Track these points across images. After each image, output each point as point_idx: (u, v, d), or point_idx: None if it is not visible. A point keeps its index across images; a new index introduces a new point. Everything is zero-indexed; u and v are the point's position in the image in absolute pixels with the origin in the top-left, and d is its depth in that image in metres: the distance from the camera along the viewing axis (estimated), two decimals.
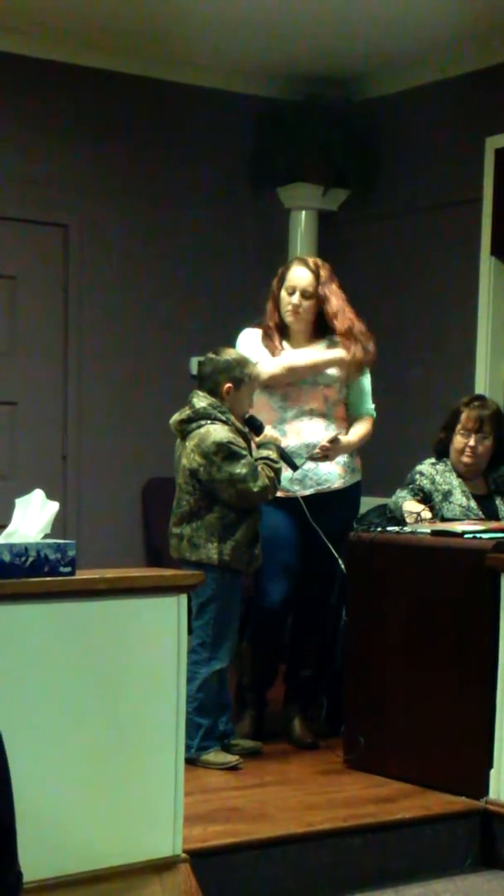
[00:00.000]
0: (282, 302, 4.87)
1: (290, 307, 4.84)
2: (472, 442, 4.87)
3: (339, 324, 4.87)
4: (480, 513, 4.84)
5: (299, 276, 4.84)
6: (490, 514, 4.87)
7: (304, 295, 4.83)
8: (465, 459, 4.89)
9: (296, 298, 4.83)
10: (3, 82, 6.42)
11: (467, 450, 4.88)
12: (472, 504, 4.86)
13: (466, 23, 6.13)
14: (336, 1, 5.92)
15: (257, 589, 4.88)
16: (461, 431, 4.90)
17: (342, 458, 4.85)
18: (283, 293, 4.86)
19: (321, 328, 4.90)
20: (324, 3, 5.95)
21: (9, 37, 6.32)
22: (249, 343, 4.89)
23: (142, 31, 6.40)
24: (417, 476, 4.92)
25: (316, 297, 4.85)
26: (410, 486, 4.90)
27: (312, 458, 4.76)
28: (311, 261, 4.91)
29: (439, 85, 6.71)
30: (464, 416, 4.91)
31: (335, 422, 4.88)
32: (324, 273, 4.86)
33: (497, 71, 6.39)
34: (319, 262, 4.92)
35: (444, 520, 4.78)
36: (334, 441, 4.76)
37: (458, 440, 4.91)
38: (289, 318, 4.87)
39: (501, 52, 6.34)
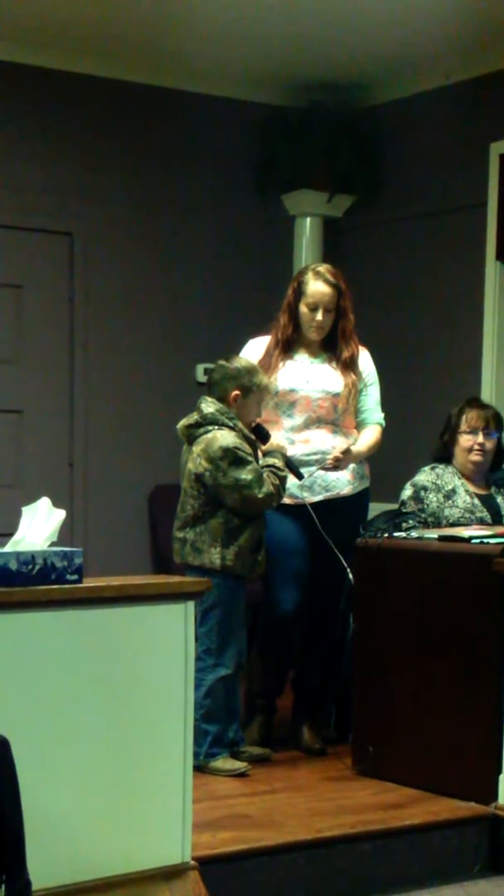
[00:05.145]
0: (303, 317, 4.84)
1: (314, 324, 4.82)
2: (480, 439, 4.93)
3: (345, 350, 4.86)
4: (484, 510, 4.86)
5: (321, 291, 4.80)
6: (493, 511, 4.91)
7: (327, 310, 4.82)
8: (475, 458, 4.93)
9: (319, 315, 4.81)
10: (7, 91, 6.44)
11: (476, 447, 4.92)
12: (476, 502, 4.89)
13: (470, 29, 6.13)
14: (340, 8, 5.93)
15: (268, 597, 4.87)
16: (468, 431, 4.94)
17: (351, 465, 4.85)
18: (304, 308, 4.83)
19: (329, 336, 4.90)
20: (328, 10, 5.95)
21: (12, 46, 6.34)
22: (254, 357, 4.87)
23: (146, 40, 6.41)
24: (422, 493, 4.90)
25: (336, 311, 4.84)
26: (420, 517, 4.88)
27: (324, 468, 4.76)
28: (328, 273, 4.84)
29: (443, 91, 6.72)
30: (469, 415, 4.96)
31: (344, 430, 4.88)
32: (343, 285, 4.85)
33: (501, 76, 6.39)
34: (334, 270, 4.88)
35: (450, 525, 4.79)
36: (346, 452, 4.76)
37: (466, 439, 4.94)
38: (312, 335, 4.85)
39: None
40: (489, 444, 4.96)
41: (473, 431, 4.95)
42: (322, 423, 4.85)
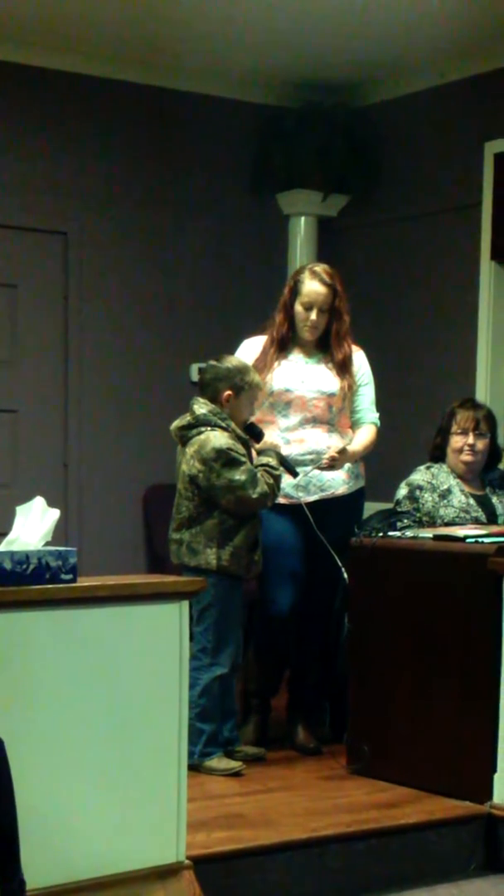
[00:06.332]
0: (297, 316, 4.84)
1: (308, 323, 4.82)
2: (470, 440, 4.92)
3: (338, 352, 4.86)
4: (479, 510, 4.87)
5: (316, 291, 4.80)
6: (488, 511, 4.90)
7: (322, 310, 4.82)
8: (465, 458, 4.93)
9: (314, 315, 4.81)
10: (3, 90, 6.43)
11: (466, 448, 4.93)
12: (472, 501, 4.89)
13: (465, 28, 6.13)
14: (335, 8, 5.93)
15: (264, 596, 4.87)
16: (458, 432, 4.95)
17: (346, 464, 4.85)
18: (299, 308, 4.83)
19: (324, 337, 4.90)
20: (323, 10, 5.95)
21: (9, 46, 6.33)
22: (249, 357, 4.87)
23: (142, 39, 6.41)
24: (417, 492, 4.90)
25: (330, 312, 4.84)
26: (415, 517, 4.88)
27: (319, 468, 4.76)
28: (324, 273, 4.84)
29: (438, 90, 6.72)
30: (459, 416, 4.97)
31: (339, 430, 4.88)
32: (339, 286, 4.85)
33: (495, 76, 6.39)
34: (330, 271, 4.87)
35: (445, 524, 4.79)
36: (341, 452, 4.76)
37: (457, 440, 4.95)
38: (306, 335, 4.85)
39: (500, 58, 6.34)
40: (480, 445, 4.95)
41: (464, 432, 4.95)
42: (317, 423, 4.85)
